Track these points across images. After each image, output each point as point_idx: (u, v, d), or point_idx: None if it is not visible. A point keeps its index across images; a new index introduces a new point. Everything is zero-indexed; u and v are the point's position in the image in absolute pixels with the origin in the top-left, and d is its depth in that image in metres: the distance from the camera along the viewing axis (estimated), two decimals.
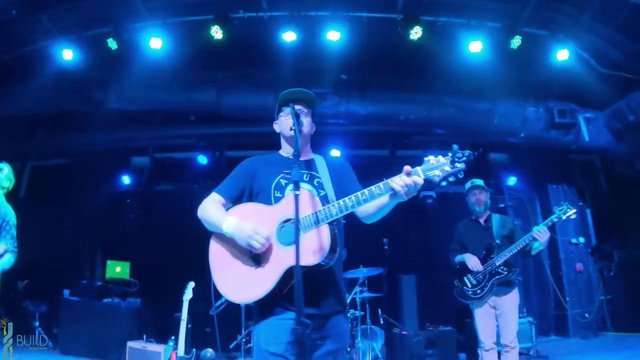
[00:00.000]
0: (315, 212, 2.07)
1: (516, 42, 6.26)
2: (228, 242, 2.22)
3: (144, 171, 8.39)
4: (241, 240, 2.12)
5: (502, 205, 8.76)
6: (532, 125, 7.50)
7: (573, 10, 5.95)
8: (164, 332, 5.77)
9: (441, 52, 6.52)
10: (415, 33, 6.06)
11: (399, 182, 1.96)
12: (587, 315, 7.51)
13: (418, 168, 1.98)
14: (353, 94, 7.09)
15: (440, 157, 1.99)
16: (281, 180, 2.28)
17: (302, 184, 2.18)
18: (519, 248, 4.17)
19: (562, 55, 6.46)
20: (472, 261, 4.35)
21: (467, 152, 1.95)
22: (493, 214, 4.63)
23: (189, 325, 4.86)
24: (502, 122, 7.44)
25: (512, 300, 4.31)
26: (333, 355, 2.16)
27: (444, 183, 1.99)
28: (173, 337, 4.94)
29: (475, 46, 6.31)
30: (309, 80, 6.35)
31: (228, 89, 6.94)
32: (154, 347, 5.58)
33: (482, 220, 4.60)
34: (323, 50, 6.28)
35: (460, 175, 1.98)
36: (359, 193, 2.04)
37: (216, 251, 2.28)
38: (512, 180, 8.92)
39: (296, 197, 1.93)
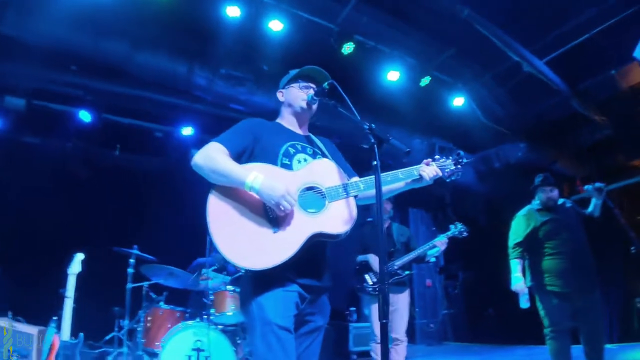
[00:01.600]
0: (345, 184, 2.15)
1: (425, 81, 7.05)
2: (236, 197, 2.04)
3: (17, 115, 7.21)
4: (269, 199, 1.96)
5: (370, 219, 9.59)
6: (414, 155, 8.42)
7: (479, 68, 6.94)
8: (41, 311, 4.72)
9: (363, 71, 6.96)
10: (347, 48, 6.45)
11: (427, 170, 2.32)
12: (432, 325, 8.65)
13: (433, 163, 2.38)
14: (270, 87, 7.13)
15: (445, 158, 2.43)
16: (289, 148, 2.26)
17: (308, 157, 2.28)
18: (417, 254, 4.63)
19: (458, 101, 7.46)
20: (377, 262, 4.63)
21: (466, 158, 2.43)
22: (393, 223, 5.11)
23: (75, 305, 4.15)
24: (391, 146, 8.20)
25: (405, 298, 4.77)
26: (318, 332, 2.18)
27: (449, 179, 2.42)
28: (55, 318, 4.14)
29: (393, 75, 6.91)
30: (233, 60, 6.21)
31: (145, 46, 6.30)
32: (24, 328, 4.49)
33: (384, 226, 5.06)
34: (259, 37, 6.15)
35: (459, 176, 2.43)
36: (383, 174, 2.17)
37: (220, 207, 2.04)
38: None
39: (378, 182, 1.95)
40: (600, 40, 6.13)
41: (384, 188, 2.28)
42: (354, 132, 7.07)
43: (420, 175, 2.33)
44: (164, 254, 5.17)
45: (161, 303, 4.75)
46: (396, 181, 2.31)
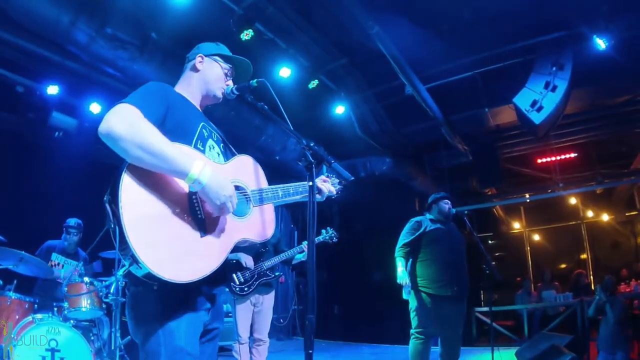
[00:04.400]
0: (270, 189, 2.03)
1: (313, 84, 7.20)
2: (158, 187, 1.61)
3: None
4: (216, 198, 1.65)
5: None
6: (288, 153, 8.49)
7: (364, 82, 7.29)
8: None
9: (257, 62, 6.75)
10: (246, 35, 6.19)
11: (327, 186, 2.39)
12: (282, 320, 8.86)
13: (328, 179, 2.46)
14: (154, 57, 6.51)
15: (332, 177, 2.52)
16: (203, 130, 1.95)
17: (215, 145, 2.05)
18: (286, 257, 4.66)
19: (339, 109, 7.73)
20: (249, 260, 4.58)
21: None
22: None
23: None
24: (268, 141, 8.15)
25: (270, 299, 4.76)
26: (218, 337, 1.98)
27: (333, 196, 2.51)
28: None
29: (285, 72, 6.86)
30: (123, 21, 5.47)
31: None
32: None
33: None
34: (162, 4, 5.60)
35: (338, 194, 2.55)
36: (297, 184, 2.17)
37: (138, 196, 1.55)
38: None
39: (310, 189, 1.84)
40: (482, 80, 6.97)
41: (277, 200, 2.15)
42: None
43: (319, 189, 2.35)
44: (14, 235, 4.34)
45: (10, 292, 3.99)
46: (298, 194, 2.20)
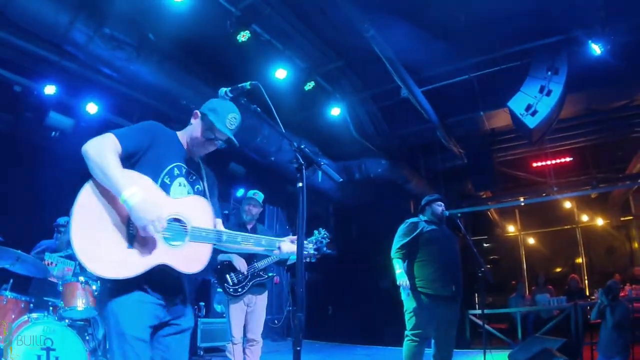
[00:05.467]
0: (209, 231, 2.23)
1: (309, 85, 7.20)
2: (107, 200, 2.01)
3: None
4: (139, 220, 1.95)
5: (226, 212, 9.42)
6: (282, 154, 8.47)
7: (360, 84, 7.32)
8: None
9: (253, 62, 6.80)
10: (243, 36, 6.22)
11: (285, 247, 2.54)
12: (276, 321, 8.87)
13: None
14: (151, 58, 6.53)
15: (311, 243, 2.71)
16: (175, 168, 2.25)
17: (186, 184, 2.30)
18: (279, 257, 4.71)
19: (335, 111, 7.75)
20: (240, 263, 4.62)
21: (326, 239, 2.73)
22: (258, 224, 5.05)
23: None
24: (263, 142, 8.16)
25: (264, 300, 4.78)
26: (182, 334, 2.26)
27: (309, 259, 2.62)
28: None
29: (281, 73, 6.86)
30: (121, 22, 5.51)
31: None
32: None
33: (249, 227, 4.91)
34: (160, 6, 5.60)
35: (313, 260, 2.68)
36: (249, 236, 2.42)
37: (90, 201, 1.99)
38: (240, 192, 9.48)
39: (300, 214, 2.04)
40: (478, 83, 7.00)
41: (239, 247, 2.43)
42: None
43: (279, 247, 2.52)
44: (10, 234, 4.35)
45: (6, 292, 4.00)
46: (258, 246, 2.47)
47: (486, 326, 7.58)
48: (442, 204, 4.79)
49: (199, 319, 7.11)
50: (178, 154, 2.31)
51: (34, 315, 3.93)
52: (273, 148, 8.24)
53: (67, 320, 4.09)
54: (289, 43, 6.72)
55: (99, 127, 6.77)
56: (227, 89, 2.30)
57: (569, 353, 4.86)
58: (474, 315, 7.90)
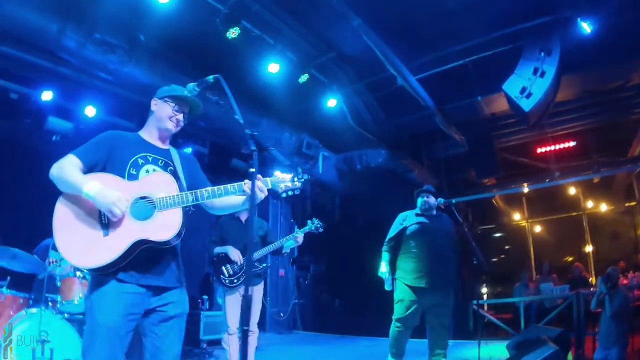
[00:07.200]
0: (173, 196, 2.31)
1: (303, 78, 7.25)
2: (78, 204, 2.25)
3: None
4: (102, 205, 2.17)
5: None
6: (283, 147, 8.57)
7: (355, 75, 7.33)
8: None
9: (245, 58, 6.85)
10: (232, 33, 6.27)
11: (248, 185, 2.45)
12: (282, 314, 8.93)
13: (268, 179, 2.51)
14: (143, 59, 6.62)
15: (285, 174, 2.58)
16: (139, 159, 2.42)
17: (157, 168, 2.45)
18: (274, 247, 4.73)
19: (331, 103, 7.75)
20: (235, 254, 4.65)
21: (305, 175, 2.59)
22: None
23: None
24: (260, 136, 8.27)
25: (260, 290, 4.82)
26: (173, 321, 2.35)
27: (284, 195, 2.57)
28: None
29: (273, 67, 6.88)
30: (110, 26, 5.60)
31: None
32: None
33: (242, 219, 4.95)
34: (143, 5, 5.65)
35: (297, 192, 2.59)
36: (215, 187, 2.41)
37: (63, 211, 2.26)
38: None
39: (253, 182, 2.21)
40: (473, 68, 6.97)
41: (217, 201, 2.48)
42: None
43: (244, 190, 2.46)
44: (7, 232, 4.49)
45: (3, 288, 4.13)
46: (227, 194, 2.43)
47: (488, 316, 7.58)
48: (428, 195, 4.83)
49: (201, 312, 7.22)
50: (141, 148, 2.47)
51: (32, 310, 4.02)
52: (271, 141, 8.26)
53: (65, 314, 4.20)
54: (280, 37, 6.73)
55: (99, 129, 6.80)
56: (194, 84, 2.45)
57: (563, 343, 4.79)
58: (477, 305, 7.85)
